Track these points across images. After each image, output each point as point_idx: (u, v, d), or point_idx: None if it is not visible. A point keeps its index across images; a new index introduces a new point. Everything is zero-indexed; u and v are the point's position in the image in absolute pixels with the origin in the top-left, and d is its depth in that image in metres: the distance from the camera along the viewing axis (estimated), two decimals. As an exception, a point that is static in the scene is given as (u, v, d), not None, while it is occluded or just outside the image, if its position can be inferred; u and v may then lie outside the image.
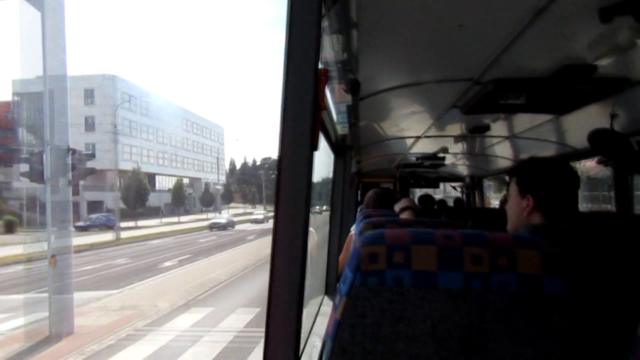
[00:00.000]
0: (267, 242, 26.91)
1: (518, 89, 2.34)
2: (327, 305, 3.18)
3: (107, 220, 43.89)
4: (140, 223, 47.21)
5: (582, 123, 3.00)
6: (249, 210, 75.84)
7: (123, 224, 41.40)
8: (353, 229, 3.45)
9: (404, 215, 2.45)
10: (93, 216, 42.71)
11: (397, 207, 2.56)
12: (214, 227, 43.72)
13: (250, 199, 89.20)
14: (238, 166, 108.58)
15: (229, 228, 44.76)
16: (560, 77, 2.18)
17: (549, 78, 2.23)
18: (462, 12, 1.63)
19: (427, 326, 1.00)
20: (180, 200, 61.29)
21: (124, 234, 34.97)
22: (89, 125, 54.75)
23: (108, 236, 33.92)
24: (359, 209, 3.66)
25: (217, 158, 59.90)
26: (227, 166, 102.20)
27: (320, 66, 1.08)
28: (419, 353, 1.00)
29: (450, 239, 1.01)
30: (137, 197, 48.19)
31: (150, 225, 45.74)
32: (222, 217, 49.73)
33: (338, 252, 3.51)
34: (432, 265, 0.99)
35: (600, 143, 2.73)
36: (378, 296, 1.00)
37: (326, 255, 3.55)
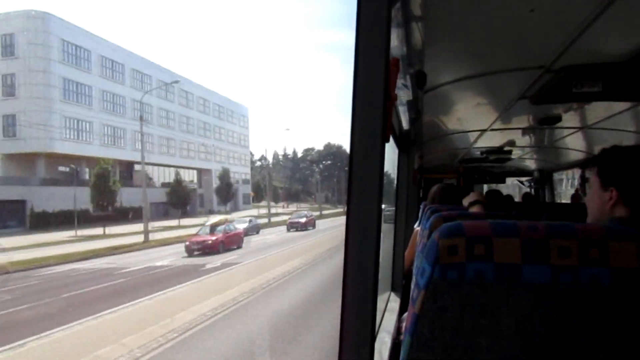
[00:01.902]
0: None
1: (593, 75, 2.21)
2: (394, 302, 3.17)
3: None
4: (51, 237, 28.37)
5: None
6: (278, 210, 59.91)
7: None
8: (416, 226, 3.42)
9: (474, 210, 2.39)
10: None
11: (465, 201, 2.50)
12: (292, 227, 37.13)
13: (273, 196, 70.05)
14: (280, 158, 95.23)
15: (310, 228, 37.49)
16: None
17: (629, 62, 2.10)
18: None
19: (511, 322, 0.96)
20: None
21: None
22: (8, 87, 37.11)
23: None
24: (421, 206, 3.62)
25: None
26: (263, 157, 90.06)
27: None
28: (504, 349, 0.97)
29: (534, 231, 0.96)
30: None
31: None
32: (302, 215, 41.39)
33: (403, 248, 3.48)
34: (516, 258, 0.95)
35: None
36: (458, 290, 0.98)
37: (387, 251, 3.53)
